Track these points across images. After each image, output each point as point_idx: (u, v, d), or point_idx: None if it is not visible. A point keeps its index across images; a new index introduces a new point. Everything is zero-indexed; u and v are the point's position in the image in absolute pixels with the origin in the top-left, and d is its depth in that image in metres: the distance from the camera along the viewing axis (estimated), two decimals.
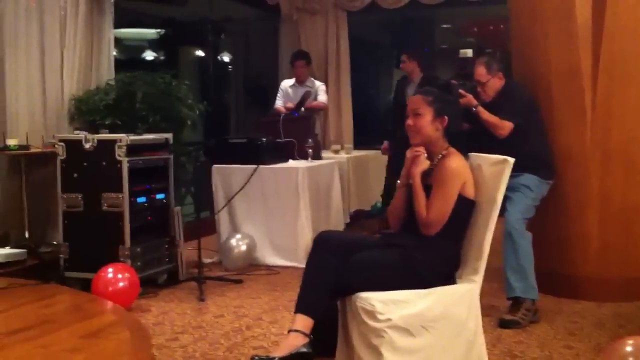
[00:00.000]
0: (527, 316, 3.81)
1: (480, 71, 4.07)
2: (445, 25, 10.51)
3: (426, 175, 2.87)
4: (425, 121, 2.86)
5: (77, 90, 5.22)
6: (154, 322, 3.92)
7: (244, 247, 5.21)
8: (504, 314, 3.86)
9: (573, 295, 4.23)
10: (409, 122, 2.90)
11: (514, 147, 3.90)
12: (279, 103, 6.62)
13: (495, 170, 2.84)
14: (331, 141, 7.71)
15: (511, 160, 2.83)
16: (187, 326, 3.86)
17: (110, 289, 4.00)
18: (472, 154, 2.97)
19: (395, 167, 6.41)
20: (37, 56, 5.14)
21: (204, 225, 5.20)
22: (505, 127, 3.96)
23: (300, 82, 6.61)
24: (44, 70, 5.17)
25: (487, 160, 2.90)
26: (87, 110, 5.11)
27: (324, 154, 6.69)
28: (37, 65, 5.15)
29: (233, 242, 5.22)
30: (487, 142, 4.10)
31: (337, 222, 5.96)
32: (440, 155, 2.88)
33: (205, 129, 8.39)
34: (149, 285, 4.59)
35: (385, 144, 6.53)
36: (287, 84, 6.72)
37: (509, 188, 3.88)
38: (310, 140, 5.72)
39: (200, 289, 4.45)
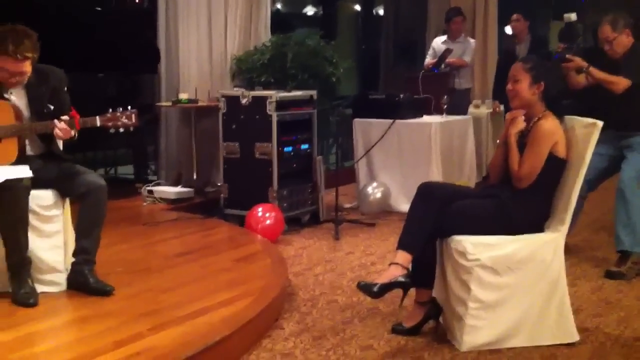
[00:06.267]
0: (632, 269, 4.01)
1: (605, 30, 4.10)
2: None
3: (523, 135, 3.20)
4: (523, 86, 3.17)
5: (238, 51, 5.94)
6: (294, 254, 4.58)
7: (379, 195, 5.72)
8: (612, 266, 4.10)
9: None
10: (509, 87, 3.22)
11: (634, 106, 4.07)
12: (428, 59, 6.96)
13: (586, 132, 3.10)
14: (474, 96, 7.91)
15: (600, 123, 3.06)
16: (320, 259, 4.48)
17: (260, 224, 4.72)
18: (567, 117, 3.24)
19: None
20: (205, 21, 5.93)
21: (346, 173, 5.78)
22: (621, 82, 4.01)
23: (453, 38, 6.82)
24: (210, 34, 5.95)
25: (579, 122, 3.16)
26: (246, 69, 5.84)
27: None
28: (205, 29, 5.94)
29: (370, 189, 5.75)
30: (605, 101, 4.23)
31: (470, 176, 6.24)
32: (536, 118, 3.19)
33: (358, 81, 8.93)
34: (294, 223, 5.26)
35: (497, 103, 6.72)
36: (439, 40, 6.97)
37: (626, 147, 4.10)
38: (445, 96, 6.04)
39: (337, 229, 5.05)
